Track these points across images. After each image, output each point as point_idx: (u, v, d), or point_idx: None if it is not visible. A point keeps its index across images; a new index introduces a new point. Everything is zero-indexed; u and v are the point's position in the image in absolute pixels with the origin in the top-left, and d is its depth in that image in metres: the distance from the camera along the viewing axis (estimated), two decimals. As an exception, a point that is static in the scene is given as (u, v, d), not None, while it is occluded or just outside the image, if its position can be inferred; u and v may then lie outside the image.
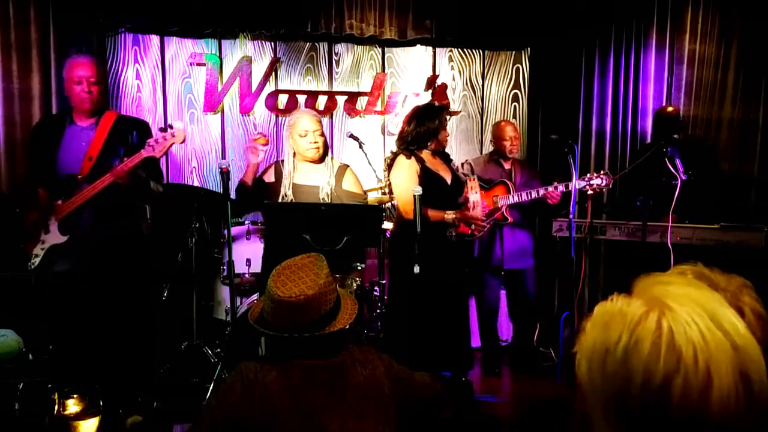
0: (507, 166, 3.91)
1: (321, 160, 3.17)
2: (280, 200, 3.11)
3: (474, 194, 3.25)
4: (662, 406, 0.71)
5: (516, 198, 3.64)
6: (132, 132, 3.23)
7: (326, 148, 3.18)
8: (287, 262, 1.63)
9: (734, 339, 0.70)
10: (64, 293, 3.07)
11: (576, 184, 3.37)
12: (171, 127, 3.05)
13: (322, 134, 3.15)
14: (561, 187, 3.49)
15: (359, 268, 3.38)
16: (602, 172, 3.49)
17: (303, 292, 1.54)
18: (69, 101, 3.18)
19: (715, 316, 0.71)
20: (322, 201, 3.09)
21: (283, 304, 1.53)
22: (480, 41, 4.77)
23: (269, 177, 3.21)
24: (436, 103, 4.41)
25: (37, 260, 3.07)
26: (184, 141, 3.16)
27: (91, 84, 3.07)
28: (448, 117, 3.35)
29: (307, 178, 3.15)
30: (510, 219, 3.72)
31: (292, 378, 1.53)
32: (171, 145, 3.05)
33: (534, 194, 3.58)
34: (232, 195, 3.12)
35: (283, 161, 3.21)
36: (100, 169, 3.08)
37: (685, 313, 0.72)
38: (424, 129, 3.21)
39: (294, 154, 3.16)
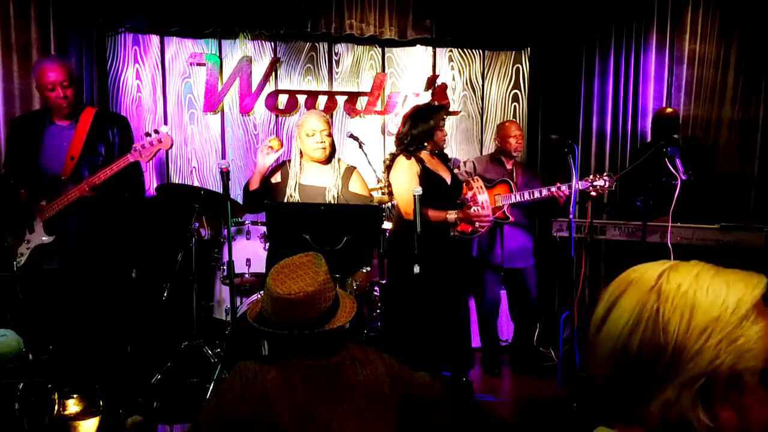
0: (509, 166, 3.91)
1: (328, 161, 3.14)
2: (285, 201, 3.09)
3: (482, 195, 3.26)
4: (593, 334, 0.80)
5: (518, 197, 3.63)
6: (112, 128, 3.22)
7: (333, 149, 3.16)
8: (285, 261, 1.63)
9: (661, 284, 0.74)
10: (57, 292, 3.07)
11: (579, 185, 3.35)
12: (157, 132, 3.03)
13: (330, 135, 3.12)
14: (565, 188, 3.47)
15: (365, 270, 3.37)
16: (605, 173, 3.47)
17: (302, 289, 1.54)
18: (46, 103, 3.16)
19: (671, 269, 0.76)
20: (328, 203, 3.08)
21: (283, 301, 1.53)
22: (480, 41, 4.77)
23: (276, 178, 3.20)
24: (436, 103, 4.42)
25: (23, 259, 3.06)
26: (171, 147, 3.15)
27: (65, 88, 3.05)
28: (444, 117, 3.33)
29: (313, 179, 3.14)
30: (511, 218, 3.72)
31: (292, 378, 1.53)
32: (158, 151, 3.05)
33: (537, 194, 3.57)
34: (232, 195, 3.12)
35: (289, 162, 3.19)
36: (82, 168, 3.07)
37: (645, 265, 0.79)
38: (418, 131, 3.22)
39: (301, 154, 3.14)
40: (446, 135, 3.37)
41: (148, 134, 3.03)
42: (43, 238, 3.07)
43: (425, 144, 3.24)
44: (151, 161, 3.19)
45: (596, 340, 0.78)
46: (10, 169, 3.19)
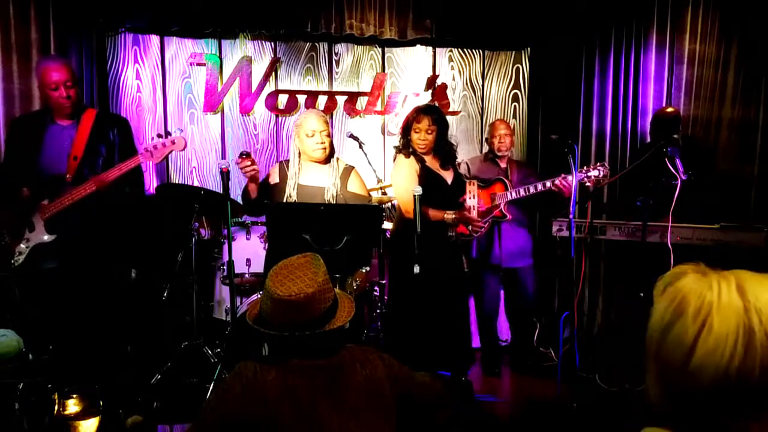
0: (503, 164, 3.90)
1: (327, 161, 3.13)
2: (284, 201, 3.08)
3: (471, 199, 3.23)
4: (660, 347, 0.80)
5: (514, 194, 3.61)
6: (113, 129, 3.22)
7: (332, 149, 3.15)
8: (284, 262, 1.63)
9: (753, 303, 0.75)
10: (57, 291, 3.07)
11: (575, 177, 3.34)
12: (169, 134, 3.05)
13: (329, 135, 3.11)
14: (565, 179, 3.44)
15: (365, 270, 3.38)
16: (599, 163, 3.45)
17: (302, 290, 1.53)
18: (47, 103, 3.16)
19: (743, 283, 0.77)
20: (327, 202, 3.07)
21: (283, 302, 1.53)
22: (480, 41, 4.77)
23: (274, 178, 3.18)
24: (435, 104, 4.42)
25: (21, 258, 3.05)
26: (184, 149, 3.15)
27: (69, 88, 3.05)
28: (419, 119, 3.24)
29: (312, 179, 3.12)
30: (509, 216, 3.70)
31: (292, 378, 1.53)
32: (170, 152, 3.05)
33: (532, 189, 3.53)
34: (232, 195, 3.12)
35: (288, 161, 3.17)
36: (85, 168, 3.08)
37: (716, 277, 0.79)
38: (403, 131, 3.27)
39: (299, 154, 3.13)
40: (425, 140, 3.25)
41: (160, 135, 3.03)
42: (45, 237, 3.06)
43: (412, 146, 3.25)
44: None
45: (687, 369, 0.76)
46: (11, 168, 3.19)
